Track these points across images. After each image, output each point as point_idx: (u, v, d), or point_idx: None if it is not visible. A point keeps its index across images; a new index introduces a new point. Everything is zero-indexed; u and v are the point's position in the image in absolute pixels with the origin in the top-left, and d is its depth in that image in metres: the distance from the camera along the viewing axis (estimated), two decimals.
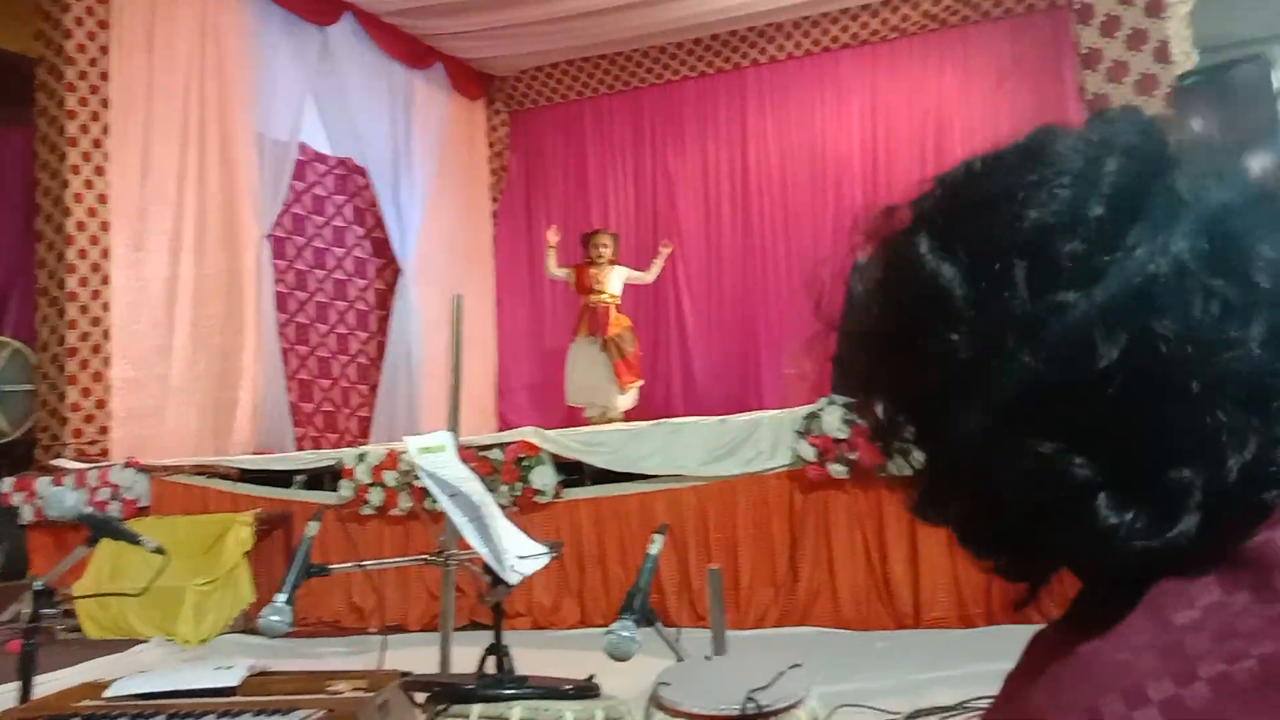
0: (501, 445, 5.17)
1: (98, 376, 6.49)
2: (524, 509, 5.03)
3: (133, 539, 2.43)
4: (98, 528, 2.40)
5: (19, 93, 6.83)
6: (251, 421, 7.19)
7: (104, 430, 6.48)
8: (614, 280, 7.59)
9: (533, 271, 9.77)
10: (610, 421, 7.13)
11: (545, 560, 2.32)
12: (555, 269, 7.70)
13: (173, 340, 6.81)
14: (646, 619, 2.02)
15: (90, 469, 6.00)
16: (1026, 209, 0.53)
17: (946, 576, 4.29)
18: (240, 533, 5.34)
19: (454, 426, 2.97)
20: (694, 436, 4.92)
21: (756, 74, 9.17)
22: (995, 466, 0.53)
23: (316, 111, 8.24)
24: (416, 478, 4.80)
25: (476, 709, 1.84)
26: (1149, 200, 0.53)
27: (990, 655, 3.59)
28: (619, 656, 1.93)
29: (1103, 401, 0.50)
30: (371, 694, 2.26)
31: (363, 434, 8.37)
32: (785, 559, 4.62)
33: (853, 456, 4.37)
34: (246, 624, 5.15)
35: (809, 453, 4.48)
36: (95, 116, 6.59)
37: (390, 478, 5.32)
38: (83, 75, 6.56)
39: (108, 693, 2.33)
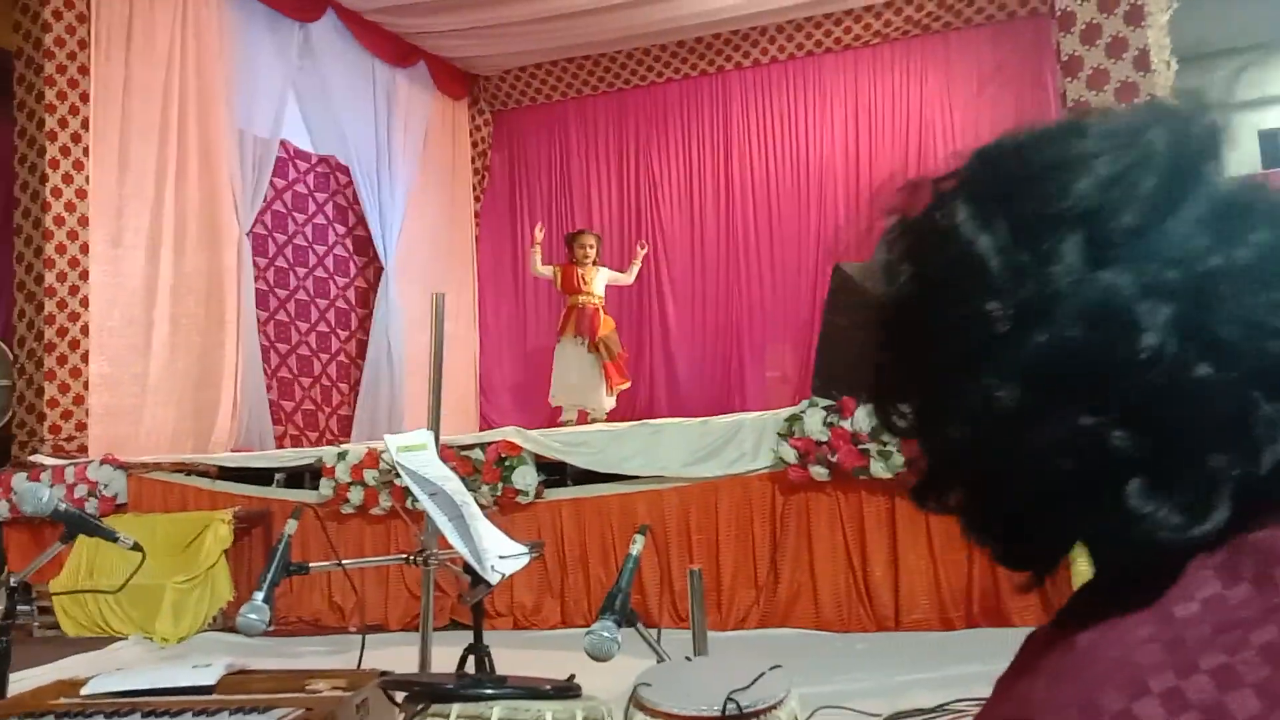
0: (483, 445, 5.16)
1: (76, 373, 6.43)
2: (505, 509, 5.02)
3: (109, 536, 2.41)
4: (73, 524, 2.38)
5: None
6: (231, 419, 7.15)
7: (82, 427, 6.43)
8: (599, 281, 7.60)
9: (515, 272, 9.76)
10: (593, 422, 7.13)
11: (526, 560, 2.31)
12: (540, 267, 7.68)
13: (151, 338, 6.76)
14: (627, 619, 2.02)
15: (68, 465, 5.95)
16: (1076, 180, 0.52)
17: (926, 579, 4.31)
18: (219, 531, 5.31)
19: (435, 425, 2.96)
20: (676, 438, 4.92)
21: (740, 77, 9.19)
22: (1029, 440, 0.52)
23: (298, 108, 8.19)
24: (397, 476, 4.78)
25: (456, 709, 1.83)
26: (1200, 181, 0.52)
27: (970, 658, 3.63)
28: (600, 657, 1.93)
29: (1144, 380, 0.49)
30: (350, 693, 2.25)
31: (343, 433, 8.33)
32: (766, 560, 4.63)
33: (834, 459, 4.38)
34: (225, 622, 5.12)
35: (790, 455, 4.49)
36: (74, 111, 6.53)
37: (371, 476, 5.30)
38: (61, 69, 6.51)
39: (84, 690, 2.31)
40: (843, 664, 3.76)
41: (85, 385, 6.45)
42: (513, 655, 2.66)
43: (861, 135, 8.76)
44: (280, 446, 7.30)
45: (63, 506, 2.38)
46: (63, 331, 6.42)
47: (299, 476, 5.65)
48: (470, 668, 2.26)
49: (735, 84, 9.21)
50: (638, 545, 2.22)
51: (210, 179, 7.18)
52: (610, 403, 7.50)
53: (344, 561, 2.67)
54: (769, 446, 4.62)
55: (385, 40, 8.67)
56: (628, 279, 7.87)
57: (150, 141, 6.84)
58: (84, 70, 6.59)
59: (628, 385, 7.71)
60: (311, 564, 2.36)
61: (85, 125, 6.56)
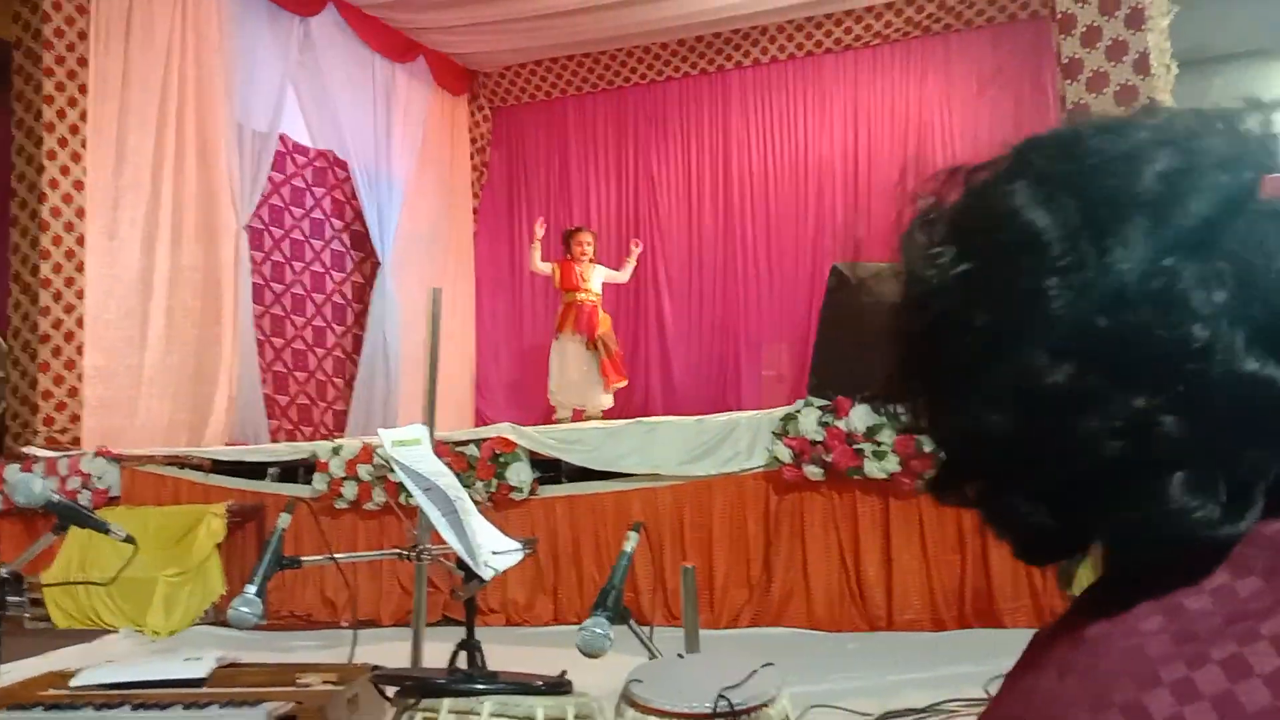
0: (478, 441, 5.16)
1: (70, 365, 6.42)
2: (499, 505, 5.02)
3: (101, 527, 2.41)
4: (65, 515, 2.37)
5: None
6: (226, 413, 7.13)
7: (75, 419, 6.41)
8: (597, 279, 7.61)
9: (513, 268, 9.75)
10: (589, 420, 7.13)
11: (519, 556, 2.31)
12: (540, 263, 7.68)
13: (147, 330, 6.75)
14: (620, 616, 2.02)
15: (61, 457, 5.94)
16: (1144, 169, 0.53)
17: (919, 579, 4.31)
18: (212, 524, 5.30)
19: (430, 421, 2.96)
20: (671, 436, 4.92)
21: (740, 76, 9.19)
22: (1079, 422, 0.51)
23: (297, 102, 8.18)
24: (391, 472, 4.77)
25: (447, 703, 1.83)
26: (1257, 184, 0.53)
27: (961, 658, 3.63)
28: (592, 653, 1.93)
29: (1195, 369, 0.50)
30: (341, 687, 2.25)
31: (338, 428, 8.32)
32: (760, 559, 4.63)
33: (828, 458, 4.39)
34: (217, 616, 5.11)
35: (785, 454, 4.49)
36: (73, 102, 6.52)
37: (365, 472, 5.29)
38: (60, 60, 6.49)
39: (74, 682, 2.31)
40: (835, 663, 3.76)
41: (80, 377, 6.44)
42: (505, 651, 2.66)
43: (860, 136, 8.76)
44: (275, 441, 7.29)
45: (55, 497, 2.37)
46: (58, 323, 6.40)
47: (293, 471, 5.64)
48: (462, 663, 2.26)
49: (735, 83, 9.21)
50: (631, 543, 2.22)
51: (208, 172, 7.17)
52: (608, 401, 7.51)
53: (337, 556, 2.66)
54: (764, 446, 4.62)
55: (385, 35, 8.66)
56: (623, 277, 7.89)
57: (148, 134, 6.83)
58: (83, 62, 6.57)
59: (624, 383, 7.72)
60: (304, 558, 2.35)
61: (83, 117, 6.55)
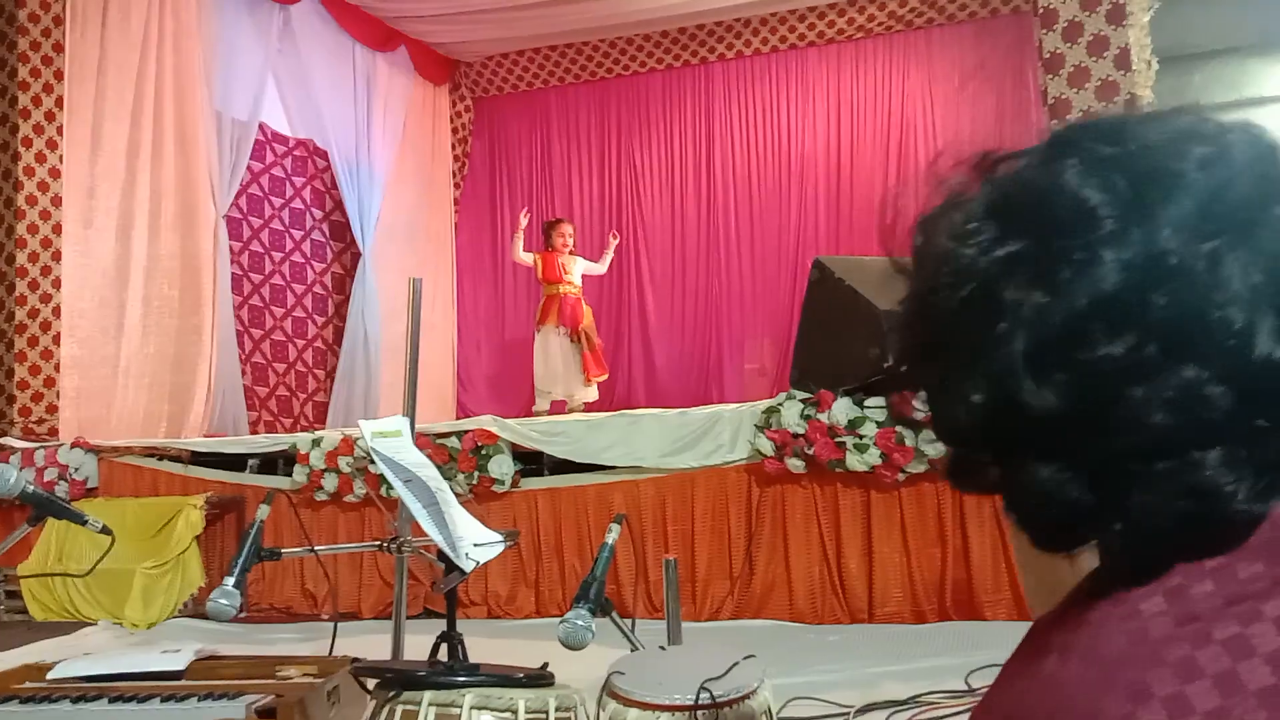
0: (459, 433, 5.14)
1: (47, 355, 6.36)
2: (481, 498, 5.01)
3: (77, 518, 2.38)
4: (41, 506, 2.34)
5: None
6: (205, 404, 7.08)
7: (53, 409, 6.35)
8: (578, 270, 7.60)
9: (494, 260, 9.72)
10: (571, 412, 7.12)
11: (501, 548, 2.30)
12: (522, 253, 7.65)
13: (123, 320, 6.68)
14: (602, 608, 2.01)
15: (38, 448, 5.88)
16: (1189, 154, 0.54)
17: (900, 572, 4.33)
18: (190, 516, 5.27)
19: (411, 412, 2.94)
20: (654, 429, 4.92)
21: (723, 69, 9.19)
22: (1129, 394, 0.52)
23: (276, 91, 8.11)
24: (372, 463, 4.76)
25: (428, 696, 1.82)
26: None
27: (941, 651, 3.65)
28: (573, 645, 1.92)
29: (1235, 345, 0.51)
30: (321, 680, 2.24)
31: (319, 419, 8.29)
32: (742, 552, 4.64)
33: (810, 451, 4.39)
34: (196, 608, 5.08)
35: (767, 447, 4.50)
36: (49, 89, 6.44)
37: (345, 463, 5.27)
38: (35, 45, 6.41)
39: (51, 675, 2.28)
40: (816, 655, 3.77)
41: (56, 368, 6.38)
42: (486, 644, 2.65)
43: (843, 129, 8.78)
44: (254, 432, 7.25)
45: (30, 488, 2.35)
46: (34, 313, 6.34)
47: (272, 462, 5.61)
48: (443, 656, 2.25)
49: (718, 75, 9.21)
50: (613, 535, 2.21)
51: (186, 160, 7.10)
52: (592, 394, 7.50)
53: (317, 548, 2.64)
54: (746, 438, 4.63)
55: (366, 23, 8.60)
56: (601, 268, 7.89)
57: (125, 121, 6.74)
58: (59, 47, 6.49)
59: (605, 377, 7.71)
60: (284, 550, 2.34)
61: (59, 104, 6.47)
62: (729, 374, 8.72)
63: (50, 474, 5.69)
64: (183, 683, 2.27)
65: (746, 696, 1.80)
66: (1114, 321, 0.52)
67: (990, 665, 3.04)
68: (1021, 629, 0.58)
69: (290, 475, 5.41)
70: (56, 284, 6.40)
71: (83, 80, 6.58)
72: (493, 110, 10.06)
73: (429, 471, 2.27)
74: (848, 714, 2.97)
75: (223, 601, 2.07)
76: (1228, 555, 0.50)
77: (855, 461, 4.30)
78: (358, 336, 8.49)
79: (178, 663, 2.35)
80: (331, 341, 8.69)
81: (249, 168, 7.77)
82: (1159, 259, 0.52)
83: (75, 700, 2.14)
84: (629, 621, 2.22)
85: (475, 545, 2.22)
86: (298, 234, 8.53)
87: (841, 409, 4.35)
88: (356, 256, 8.67)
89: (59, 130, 6.46)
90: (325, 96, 8.27)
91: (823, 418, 4.38)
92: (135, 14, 6.84)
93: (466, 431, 5.13)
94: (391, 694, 1.86)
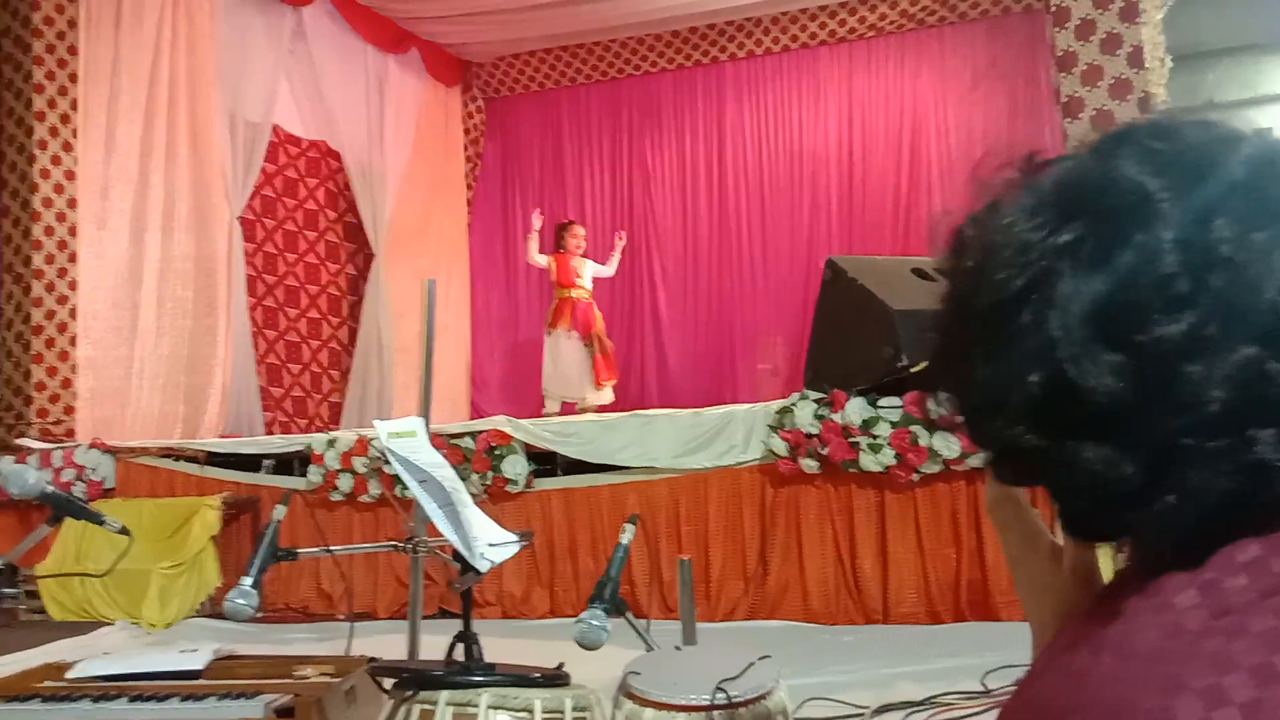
0: (473, 434, 5.15)
1: (64, 356, 6.40)
2: (495, 498, 5.02)
3: (96, 518, 2.40)
4: (60, 507, 2.36)
5: None
6: (220, 405, 7.12)
7: (69, 410, 6.39)
8: (588, 273, 7.61)
9: (507, 261, 9.73)
10: (582, 413, 7.12)
11: (515, 549, 2.30)
12: (537, 255, 7.65)
13: (137, 321, 6.72)
14: (616, 608, 2.01)
15: (55, 449, 5.92)
16: (1238, 152, 0.56)
17: (915, 573, 4.32)
18: (207, 516, 5.29)
19: (425, 412, 2.95)
20: (667, 429, 4.92)
21: (734, 69, 9.18)
22: (1188, 372, 0.53)
23: (290, 93, 8.15)
24: (386, 464, 4.77)
25: (444, 695, 1.83)
26: None
27: (957, 651, 3.64)
28: (588, 645, 1.93)
29: None
30: (338, 679, 2.25)
31: (333, 420, 8.31)
32: (755, 552, 4.63)
33: (824, 451, 4.39)
34: (212, 608, 5.11)
35: (781, 447, 4.49)
36: (63, 91, 6.48)
37: (360, 464, 5.28)
38: (50, 49, 6.45)
39: (70, 674, 2.30)
40: (830, 656, 3.77)
41: (73, 369, 6.42)
42: (501, 644, 2.65)
43: (855, 128, 8.76)
44: (269, 433, 7.27)
45: (49, 489, 2.37)
46: (50, 314, 6.38)
47: (288, 463, 5.63)
48: (459, 655, 2.25)
49: (729, 75, 9.20)
50: (627, 535, 2.21)
51: (199, 162, 7.13)
52: (606, 396, 7.50)
53: (332, 548, 2.65)
54: (759, 439, 4.62)
55: (377, 25, 8.62)
56: (609, 270, 7.89)
57: (139, 123, 6.78)
58: (73, 50, 6.53)
59: (614, 381, 7.69)
60: (300, 550, 2.35)
61: (74, 106, 6.51)
62: (742, 374, 8.71)
63: (67, 474, 5.73)
64: (201, 682, 2.29)
65: (763, 697, 1.80)
66: (1173, 302, 0.53)
67: (1006, 666, 3.03)
68: None
69: (305, 476, 5.43)
70: (73, 286, 6.44)
71: (97, 83, 6.61)
72: (504, 111, 10.07)
73: (444, 471, 2.28)
74: (864, 715, 2.96)
75: (240, 601, 2.08)
76: (1261, 548, 0.50)
77: (869, 462, 4.29)
78: (372, 337, 8.52)
79: (196, 662, 2.36)
80: (346, 342, 8.72)
81: (263, 169, 7.80)
82: (1214, 245, 0.53)
83: (96, 699, 2.15)
84: (644, 622, 2.22)
85: (490, 545, 2.23)
86: (312, 235, 8.56)
87: (855, 409, 4.34)
88: (370, 258, 8.70)
89: (74, 133, 6.50)
90: (337, 98, 8.30)
91: (836, 418, 4.37)
92: (148, 16, 6.88)
93: (480, 432, 5.14)
94: (409, 693, 1.87)
